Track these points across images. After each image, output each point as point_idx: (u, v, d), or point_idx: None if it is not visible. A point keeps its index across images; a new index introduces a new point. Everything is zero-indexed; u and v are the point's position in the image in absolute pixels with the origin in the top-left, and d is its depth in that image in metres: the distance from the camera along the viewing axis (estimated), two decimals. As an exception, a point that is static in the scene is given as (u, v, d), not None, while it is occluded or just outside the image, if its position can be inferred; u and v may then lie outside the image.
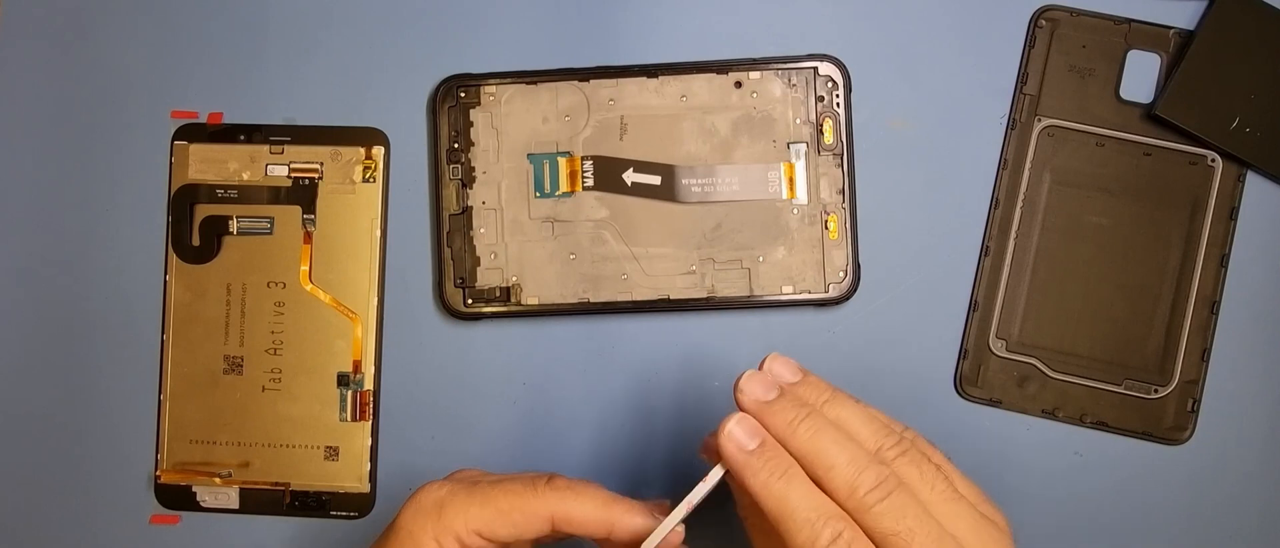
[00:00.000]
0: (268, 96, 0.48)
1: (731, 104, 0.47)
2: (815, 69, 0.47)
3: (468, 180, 0.47)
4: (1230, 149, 0.46)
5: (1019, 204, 0.47)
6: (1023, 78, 0.47)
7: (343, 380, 0.47)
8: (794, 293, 0.46)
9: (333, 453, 0.47)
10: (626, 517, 0.36)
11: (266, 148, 0.48)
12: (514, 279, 0.47)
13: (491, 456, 0.47)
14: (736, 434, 0.33)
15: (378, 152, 0.48)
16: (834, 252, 0.46)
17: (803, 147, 0.47)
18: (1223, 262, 0.46)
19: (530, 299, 0.47)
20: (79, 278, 0.48)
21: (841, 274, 0.46)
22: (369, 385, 0.47)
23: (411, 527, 0.36)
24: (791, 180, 0.46)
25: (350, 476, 0.47)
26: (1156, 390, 0.46)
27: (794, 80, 0.47)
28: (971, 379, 0.47)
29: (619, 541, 0.36)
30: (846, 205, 0.46)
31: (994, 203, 0.47)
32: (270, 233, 0.48)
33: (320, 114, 0.48)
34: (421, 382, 0.47)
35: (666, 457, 0.47)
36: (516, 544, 0.37)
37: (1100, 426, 0.46)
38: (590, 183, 0.47)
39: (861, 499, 0.31)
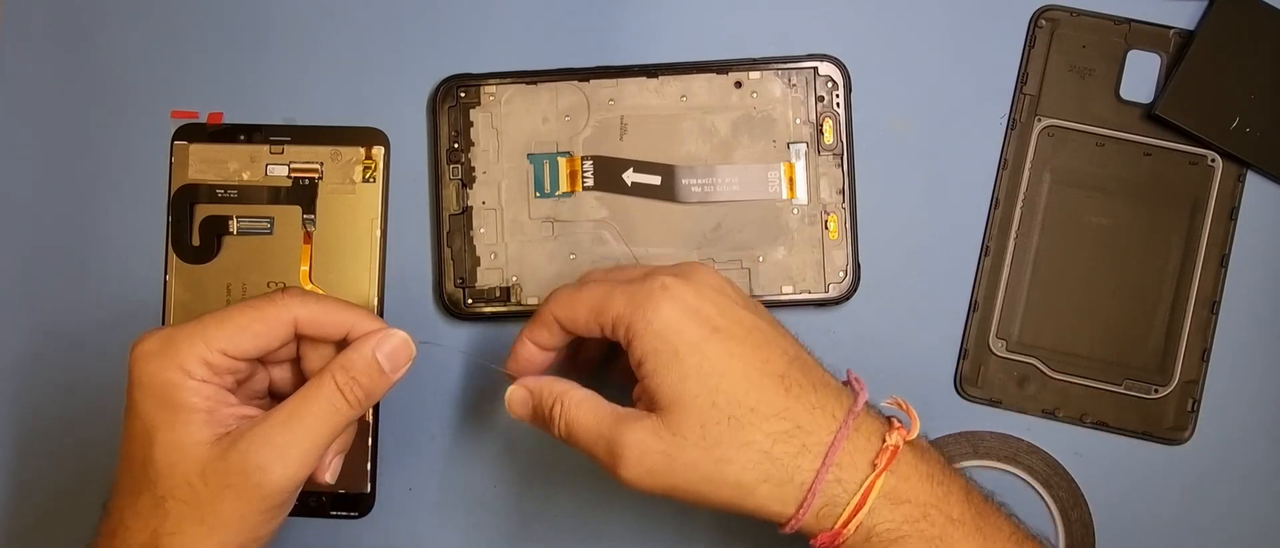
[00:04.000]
0: (268, 96, 0.48)
1: (731, 104, 0.47)
2: (815, 69, 0.47)
3: (468, 180, 0.47)
4: (1230, 149, 0.46)
5: (1019, 204, 0.47)
6: (1023, 78, 0.47)
7: (343, 380, 0.47)
8: (794, 293, 0.46)
9: (333, 453, 0.47)
10: (364, 321, 0.37)
11: (266, 148, 0.48)
12: (514, 279, 0.47)
13: (491, 456, 0.47)
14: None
15: (378, 152, 0.48)
16: (834, 252, 0.46)
17: (803, 147, 0.47)
18: (1223, 262, 0.46)
19: (530, 299, 0.47)
20: (79, 278, 0.48)
21: (841, 274, 0.46)
22: (369, 385, 0.47)
23: (145, 375, 0.34)
24: (791, 180, 0.46)
25: (350, 476, 0.47)
26: (1156, 390, 0.46)
27: (794, 80, 0.47)
28: (971, 379, 0.47)
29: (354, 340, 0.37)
30: (846, 205, 0.46)
31: (994, 203, 0.47)
32: (270, 233, 0.48)
33: (320, 114, 0.48)
34: (422, 382, 0.47)
35: (666, 457, 0.47)
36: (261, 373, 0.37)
37: (1100, 426, 0.46)
38: (590, 183, 0.47)
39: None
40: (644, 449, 0.35)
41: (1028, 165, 0.47)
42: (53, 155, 0.49)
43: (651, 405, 0.36)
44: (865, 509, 0.34)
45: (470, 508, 0.47)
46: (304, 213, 0.47)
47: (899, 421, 0.37)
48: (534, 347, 0.39)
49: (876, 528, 0.35)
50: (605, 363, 0.44)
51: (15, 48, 0.49)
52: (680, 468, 0.35)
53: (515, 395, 0.39)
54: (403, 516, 0.48)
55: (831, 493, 0.35)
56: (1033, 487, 0.46)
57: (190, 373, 0.34)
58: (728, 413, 0.35)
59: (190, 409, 0.34)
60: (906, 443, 0.36)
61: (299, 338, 0.37)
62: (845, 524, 0.34)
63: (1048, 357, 0.47)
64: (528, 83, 0.47)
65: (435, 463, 0.48)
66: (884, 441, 0.35)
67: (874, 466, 0.35)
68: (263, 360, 0.38)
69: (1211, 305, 0.46)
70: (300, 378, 0.39)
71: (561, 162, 0.47)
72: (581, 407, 0.37)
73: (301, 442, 0.34)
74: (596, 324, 0.37)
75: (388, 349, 0.36)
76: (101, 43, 0.49)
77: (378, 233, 0.48)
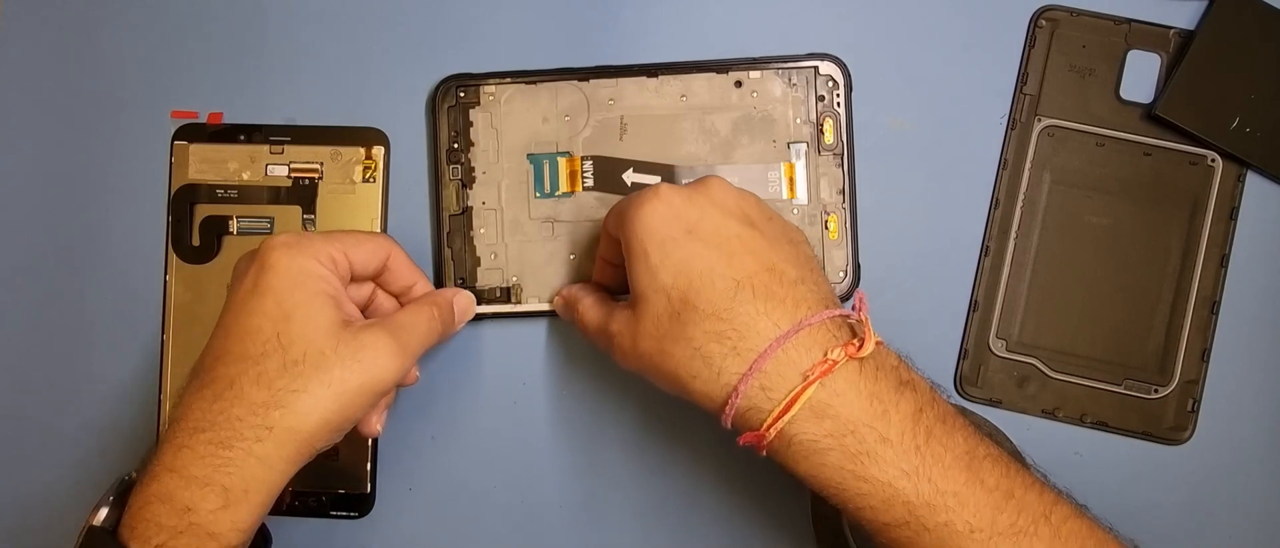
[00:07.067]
0: (268, 96, 0.48)
1: (731, 104, 0.47)
2: (815, 69, 0.47)
3: (468, 180, 0.47)
4: (1230, 149, 0.46)
5: (1019, 204, 0.47)
6: (1023, 78, 0.47)
7: (343, 380, 0.47)
8: (794, 293, 0.46)
9: (333, 453, 0.47)
10: (425, 281, 0.44)
11: (266, 148, 0.48)
12: (514, 279, 0.47)
13: (492, 455, 0.47)
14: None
15: (378, 152, 0.48)
16: (834, 252, 0.46)
17: (803, 146, 0.47)
18: (1223, 262, 0.46)
19: (530, 299, 0.47)
20: (79, 278, 0.48)
21: (841, 274, 0.46)
22: (369, 385, 0.47)
23: (282, 262, 0.39)
24: (792, 180, 0.46)
25: (350, 476, 0.47)
26: (1156, 390, 0.46)
27: (794, 80, 0.47)
28: (971, 379, 0.47)
29: (412, 298, 0.44)
30: (846, 205, 0.46)
31: (994, 203, 0.47)
32: (270, 233, 0.48)
33: (320, 114, 0.48)
34: (422, 382, 0.47)
35: (667, 455, 0.47)
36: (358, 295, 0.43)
37: (1100, 426, 0.46)
38: (590, 183, 0.47)
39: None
40: (620, 336, 0.39)
41: (1028, 165, 0.47)
42: (53, 155, 0.49)
43: (631, 298, 0.39)
44: (786, 418, 0.35)
45: (470, 508, 0.47)
46: (304, 213, 0.47)
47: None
48: (602, 259, 0.44)
49: (796, 437, 0.36)
50: None
51: (15, 48, 0.49)
52: (640, 355, 0.38)
53: (556, 301, 0.46)
54: (403, 516, 0.48)
55: (755, 399, 0.36)
56: None
57: (320, 262, 0.39)
58: (675, 310, 0.37)
59: (322, 294, 0.39)
60: (857, 360, 0.36)
61: (376, 283, 0.44)
62: (767, 428, 0.36)
63: (1048, 357, 0.47)
64: (528, 83, 0.47)
65: (435, 463, 0.48)
66: (826, 355, 0.35)
67: (805, 378, 0.35)
68: None
69: (1211, 305, 0.46)
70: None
71: (561, 162, 0.47)
72: (590, 311, 0.43)
73: (409, 345, 0.40)
74: (612, 224, 0.41)
75: (462, 300, 0.45)
76: (101, 43, 0.49)
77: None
